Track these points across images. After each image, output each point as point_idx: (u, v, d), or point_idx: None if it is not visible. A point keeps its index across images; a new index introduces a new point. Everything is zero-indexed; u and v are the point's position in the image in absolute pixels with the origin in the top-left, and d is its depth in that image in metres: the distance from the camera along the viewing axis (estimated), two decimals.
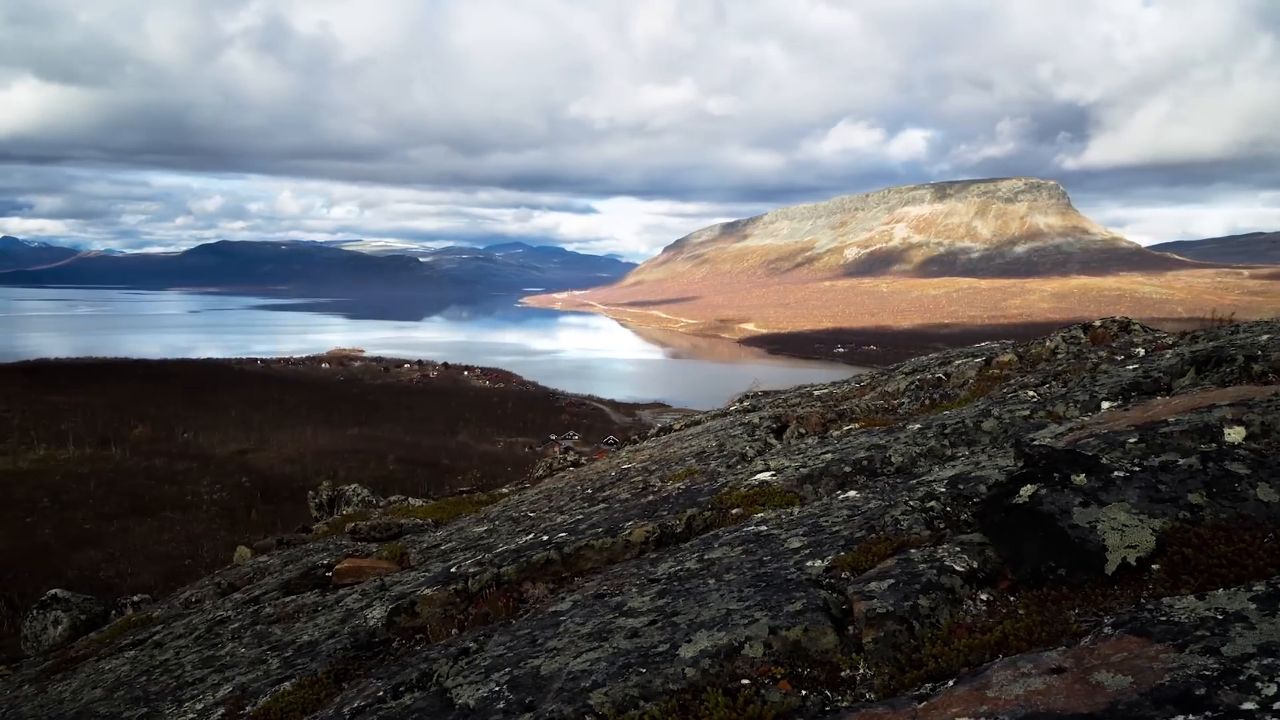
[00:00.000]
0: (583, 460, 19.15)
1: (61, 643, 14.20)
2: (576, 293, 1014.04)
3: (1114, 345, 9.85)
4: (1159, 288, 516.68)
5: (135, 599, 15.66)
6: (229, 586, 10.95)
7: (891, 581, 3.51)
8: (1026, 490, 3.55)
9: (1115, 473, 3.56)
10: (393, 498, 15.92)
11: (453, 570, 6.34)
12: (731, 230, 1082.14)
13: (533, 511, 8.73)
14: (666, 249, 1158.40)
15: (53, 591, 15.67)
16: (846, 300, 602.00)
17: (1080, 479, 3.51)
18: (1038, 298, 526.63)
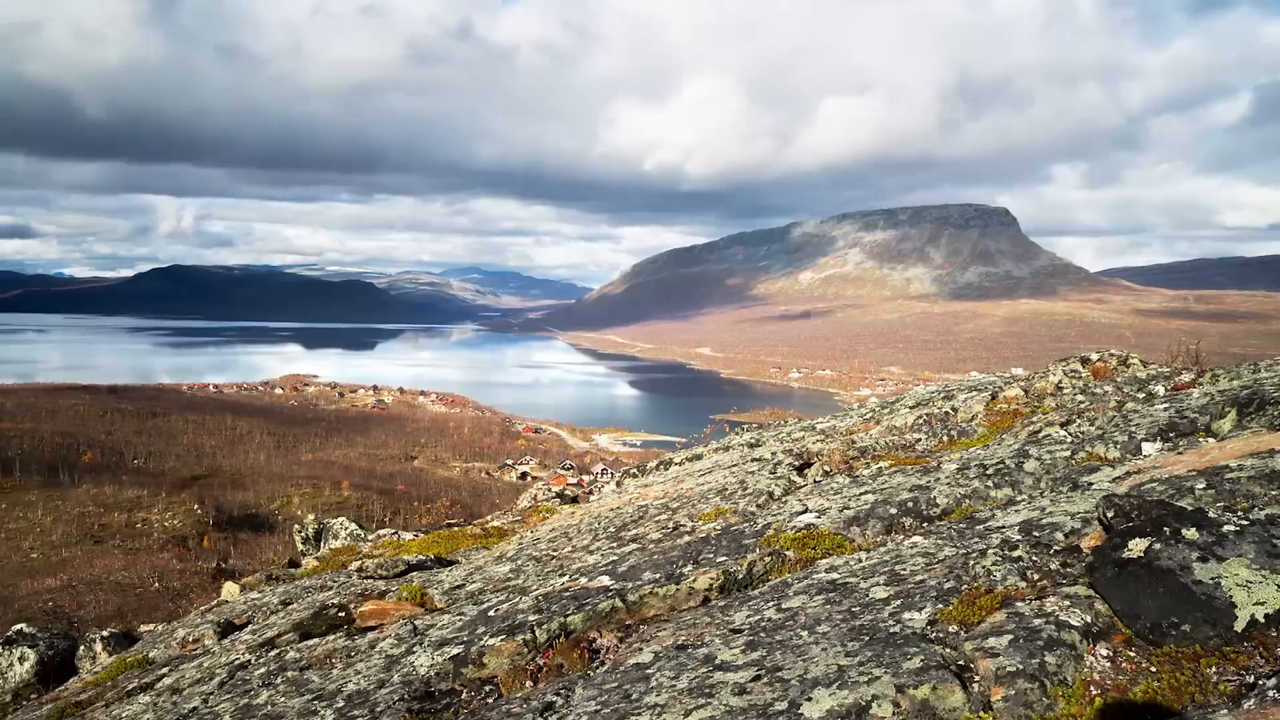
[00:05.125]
0: (565, 491, 19.06)
1: (30, 681, 13.74)
2: (533, 317, 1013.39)
3: (1118, 380, 10.00)
4: (1107, 312, 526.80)
5: (105, 634, 15.22)
6: (228, 625, 10.69)
7: (1010, 637, 3.50)
8: (1138, 544, 3.57)
9: (1226, 527, 3.60)
10: (382, 531, 15.72)
11: (491, 614, 6.22)
12: (687, 256, 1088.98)
13: (554, 550, 8.62)
14: (623, 274, 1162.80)
15: (18, 626, 15.16)
16: (800, 326, 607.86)
17: (1192, 533, 3.54)
18: (989, 322, 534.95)
